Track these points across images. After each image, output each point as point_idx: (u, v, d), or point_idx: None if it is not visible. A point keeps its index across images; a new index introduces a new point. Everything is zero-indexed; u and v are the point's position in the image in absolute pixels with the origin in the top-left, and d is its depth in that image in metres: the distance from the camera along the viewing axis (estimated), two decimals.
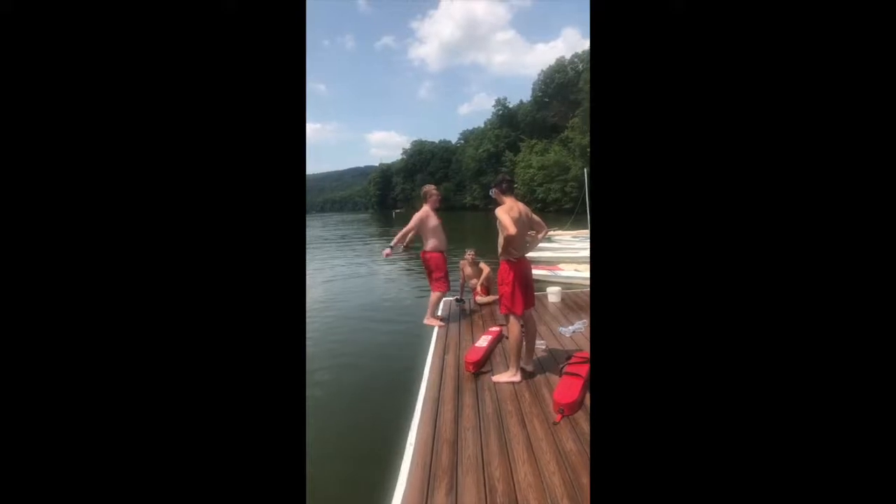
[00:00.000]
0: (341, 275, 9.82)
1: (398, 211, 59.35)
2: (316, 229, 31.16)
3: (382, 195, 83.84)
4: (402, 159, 75.91)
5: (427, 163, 68.24)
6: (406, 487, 1.67)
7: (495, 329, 3.31)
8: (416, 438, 2.00)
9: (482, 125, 56.05)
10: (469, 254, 4.75)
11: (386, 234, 23.26)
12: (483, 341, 3.07)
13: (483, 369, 2.75)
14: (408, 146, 74.78)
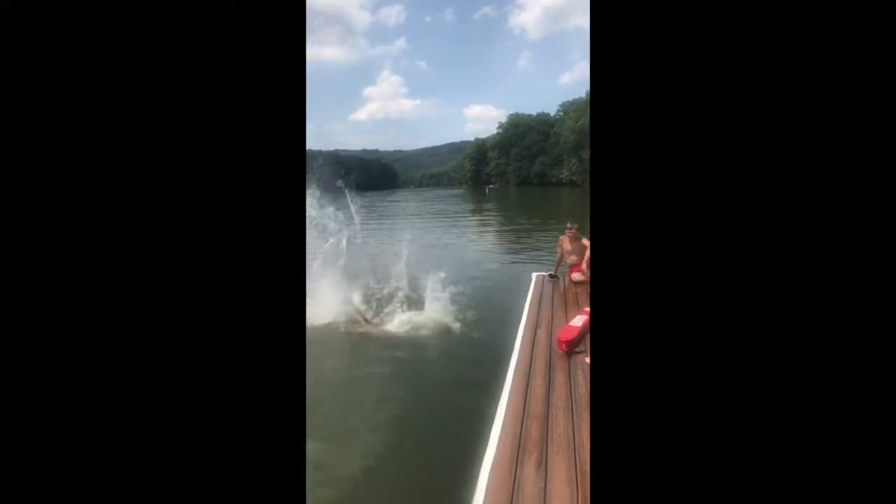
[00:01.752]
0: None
1: (491, 187, 58.94)
2: (417, 203, 32.43)
3: (477, 171, 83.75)
4: (498, 133, 74.68)
5: (523, 137, 66.34)
6: (496, 455, 1.71)
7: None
8: (507, 408, 2.03)
9: (583, 95, 52.50)
10: (571, 229, 4.54)
11: (479, 211, 23.35)
12: (578, 321, 2.97)
13: (577, 349, 2.67)
14: (504, 120, 73.29)
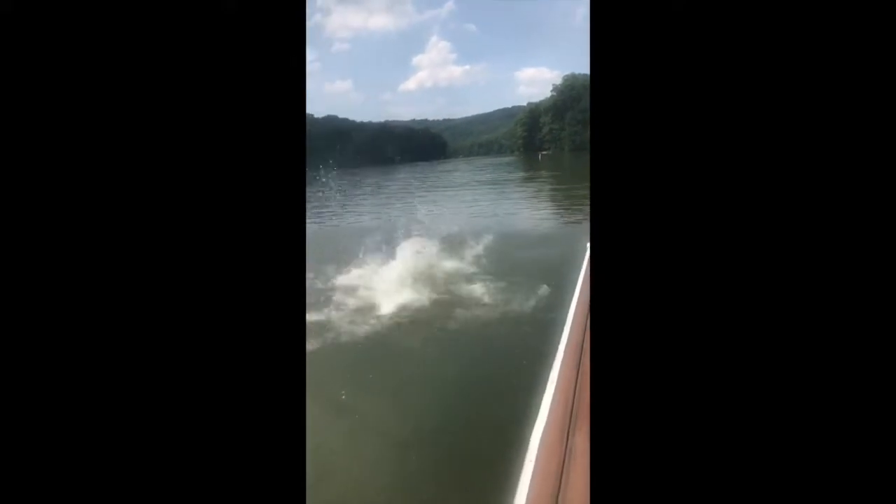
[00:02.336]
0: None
1: (544, 153, 56.93)
2: (465, 173, 32.22)
3: (529, 137, 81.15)
4: (552, 97, 71.46)
5: (578, 99, 62.94)
6: (546, 423, 1.73)
7: None
8: (559, 378, 2.03)
9: None
10: None
11: (532, 179, 22.76)
12: None
13: None
14: (558, 82, 69.84)
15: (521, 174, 27.03)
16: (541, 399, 1.91)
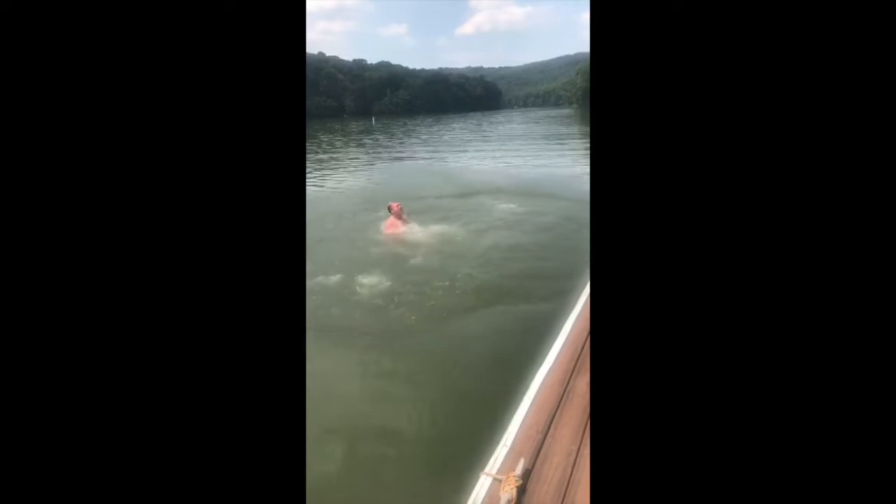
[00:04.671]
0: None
1: None
2: (518, 125, 30.89)
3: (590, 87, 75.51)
4: None
5: None
6: (552, 365, 1.84)
7: None
8: (571, 328, 2.11)
9: None
10: None
11: (588, 135, 21.33)
12: None
13: None
14: None
15: (578, 129, 25.58)
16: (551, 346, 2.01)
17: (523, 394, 1.68)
